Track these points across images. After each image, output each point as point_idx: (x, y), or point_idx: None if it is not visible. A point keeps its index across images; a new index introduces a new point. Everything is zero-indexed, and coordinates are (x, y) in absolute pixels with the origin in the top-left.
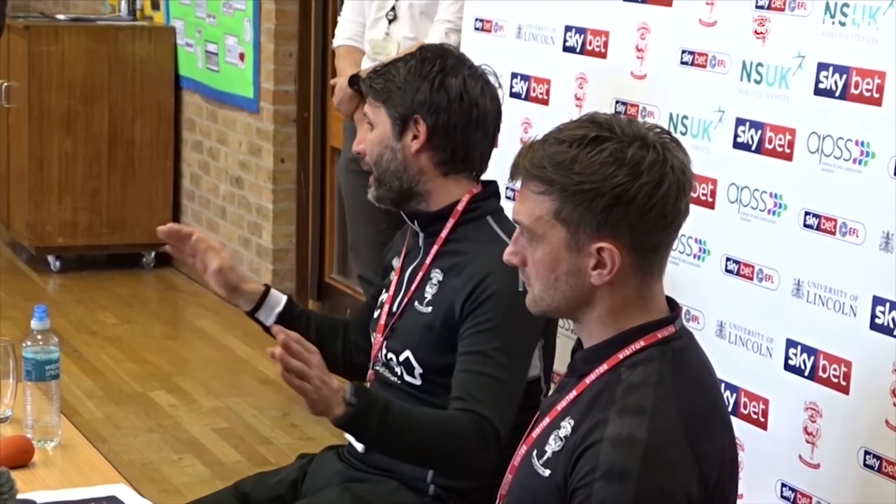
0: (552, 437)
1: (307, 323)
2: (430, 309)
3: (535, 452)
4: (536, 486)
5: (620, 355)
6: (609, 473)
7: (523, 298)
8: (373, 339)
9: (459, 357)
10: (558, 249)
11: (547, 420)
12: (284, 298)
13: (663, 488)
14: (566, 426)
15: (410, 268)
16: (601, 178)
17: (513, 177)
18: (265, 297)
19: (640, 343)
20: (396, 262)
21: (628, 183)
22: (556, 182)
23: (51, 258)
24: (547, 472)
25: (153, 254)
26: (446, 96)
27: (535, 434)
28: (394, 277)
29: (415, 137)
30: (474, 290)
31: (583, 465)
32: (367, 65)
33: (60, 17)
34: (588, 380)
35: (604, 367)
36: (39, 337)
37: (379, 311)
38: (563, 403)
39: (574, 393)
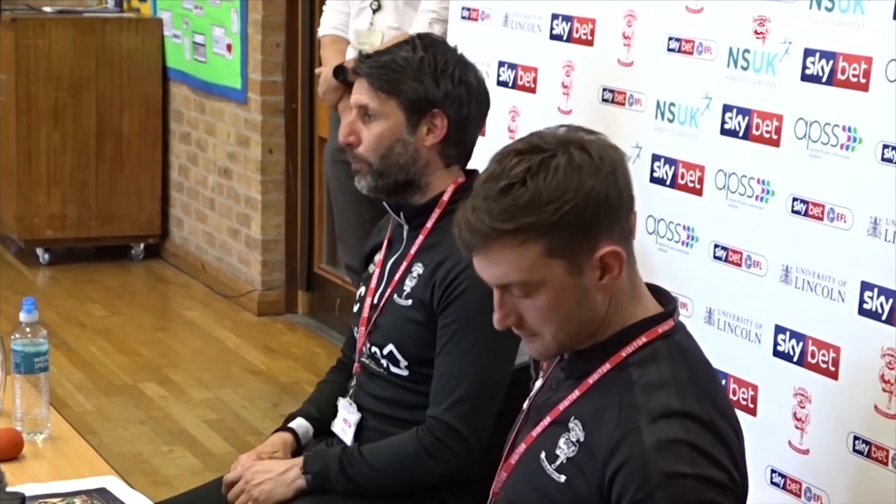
0: (563, 440)
1: (326, 412)
2: (409, 302)
3: (543, 455)
4: (552, 490)
5: (623, 353)
6: (665, 480)
7: None
8: (356, 333)
9: (435, 359)
10: (562, 282)
11: (548, 419)
12: (305, 424)
13: (713, 479)
14: (575, 429)
15: (392, 259)
16: (573, 193)
17: (470, 250)
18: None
19: (642, 339)
20: (378, 256)
21: (596, 183)
22: (534, 224)
23: (39, 251)
24: (562, 478)
25: (142, 246)
26: (466, 91)
27: (535, 433)
28: (375, 270)
29: (429, 131)
30: (449, 286)
31: (629, 483)
32: (351, 55)
33: (47, 9)
34: (591, 380)
35: (606, 366)
36: (28, 329)
37: (360, 304)
38: (566, 403)
39: (577, 392)
